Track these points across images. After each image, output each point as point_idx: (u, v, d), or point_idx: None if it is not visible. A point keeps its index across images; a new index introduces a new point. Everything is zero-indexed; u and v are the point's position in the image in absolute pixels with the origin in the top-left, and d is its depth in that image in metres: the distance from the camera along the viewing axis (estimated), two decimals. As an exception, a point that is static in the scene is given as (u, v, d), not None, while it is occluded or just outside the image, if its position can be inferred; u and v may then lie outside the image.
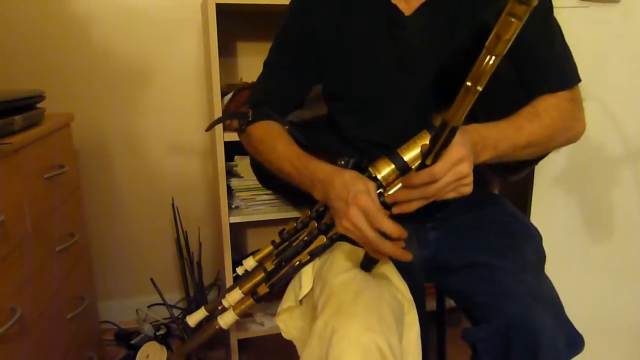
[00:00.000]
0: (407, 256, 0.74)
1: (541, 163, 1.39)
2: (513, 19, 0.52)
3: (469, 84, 0.59)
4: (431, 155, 0.69)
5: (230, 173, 1.50)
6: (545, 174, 1.41)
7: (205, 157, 1.79)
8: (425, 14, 0.91)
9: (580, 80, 0.90)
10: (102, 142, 1.70)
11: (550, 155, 1.41)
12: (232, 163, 1.50)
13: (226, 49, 1.66)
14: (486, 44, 0.55)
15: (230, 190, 1.46)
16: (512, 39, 0.54)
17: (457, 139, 0.69)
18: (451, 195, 0.73)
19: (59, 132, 1.28)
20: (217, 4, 1.28)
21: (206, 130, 1.13)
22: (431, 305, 1.24)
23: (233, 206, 1.47)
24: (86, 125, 1.64)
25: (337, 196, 0.78)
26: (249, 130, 1.01)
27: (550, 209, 1.43)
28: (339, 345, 0.70)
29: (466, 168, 0.70)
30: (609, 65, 1.36)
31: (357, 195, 0.75)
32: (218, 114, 1.33)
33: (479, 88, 0.59)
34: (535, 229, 0.95)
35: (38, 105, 1.18)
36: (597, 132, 1.40)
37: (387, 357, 0.70)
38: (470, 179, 0.72)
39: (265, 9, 1.44)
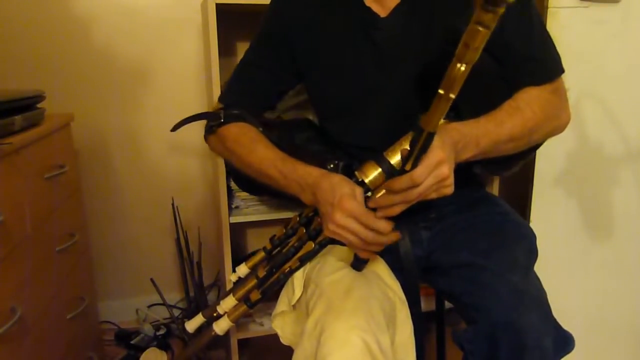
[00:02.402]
0: (396, 236, 0.77)
1: (541, 163, 1.40)
2: (480, 28, 0.51)
3: (441, 91, 0.59)
4: (410, 160, 0.69)
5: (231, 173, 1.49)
6: (545, 174, 1.41)
7: (205, 157, 1.78)
8: (401, 15, 0.90)
9: (563, 72, 0.89)
10: (102, 142, 1.70)
11: (550, 155, 1.40)
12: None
13: (226, 49, 1.66)
14: (456, 52, 0.55)
15: (230, 190, 1.46)
16: (482, 47, 0.53)
17: (436, 142, 0.70)
18: (433, 196, 0.73)
19: (59, 132, 1.28)
20: (217, 4, 1.27)
21: (171, 131, 1.06)
22: (431, 305, 1.24)
23: (233, 206, 1.47)
24: (86, 125, 1.64)
25: (324, 200, 0.78)
26: (221, 132, 0.99)
27: (550, 209, 1.43)
28: (327, 343, 0.71)
29: (445, 170, 0.71)
30: (609, 65, 1.36)
31: (342, 199, 0.75)
32: (218, 114, 1.33)
33: (452, 95, 0.59)
34: (529, 228, 0.95)
35: (38, 105, 1.18)
36: (597, 132, 1.40)
37: (375, 354, 0.70)
38: (451, 180, 0.72)
39: (265, 9, 1.44)
